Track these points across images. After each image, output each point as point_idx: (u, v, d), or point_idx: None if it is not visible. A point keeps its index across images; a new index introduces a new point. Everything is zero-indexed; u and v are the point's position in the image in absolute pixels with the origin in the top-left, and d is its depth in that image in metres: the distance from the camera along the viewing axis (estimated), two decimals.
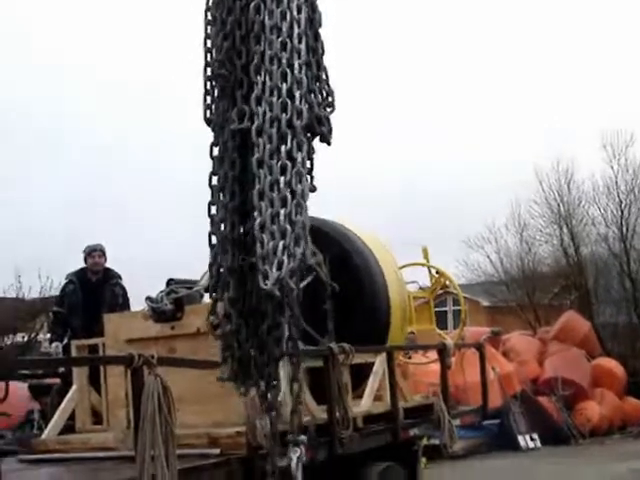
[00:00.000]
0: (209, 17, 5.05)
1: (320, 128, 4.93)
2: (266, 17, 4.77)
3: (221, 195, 4.91)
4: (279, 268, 4.41)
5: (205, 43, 5.05)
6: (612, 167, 26.37)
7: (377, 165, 40.83)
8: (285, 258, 4.42)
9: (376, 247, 9.16)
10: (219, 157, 4.95)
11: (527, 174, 28.98)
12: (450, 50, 43.23)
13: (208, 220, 4.91)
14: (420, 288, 11.60)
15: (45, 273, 28.04)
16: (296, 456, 4.99)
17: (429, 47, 47.67)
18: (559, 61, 42.36)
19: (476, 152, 39.43)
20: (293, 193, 4.54)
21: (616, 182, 26.27)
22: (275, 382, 4.84)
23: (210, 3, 5.06)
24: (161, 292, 7.36)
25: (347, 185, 39.08)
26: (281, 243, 4.44)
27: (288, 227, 4.47)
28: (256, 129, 4.65)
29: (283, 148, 4.59)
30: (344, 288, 8.31)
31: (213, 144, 4.99)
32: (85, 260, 9.90)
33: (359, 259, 8.78)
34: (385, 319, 8.91)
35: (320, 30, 5.12)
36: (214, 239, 4.90)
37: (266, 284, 4.40)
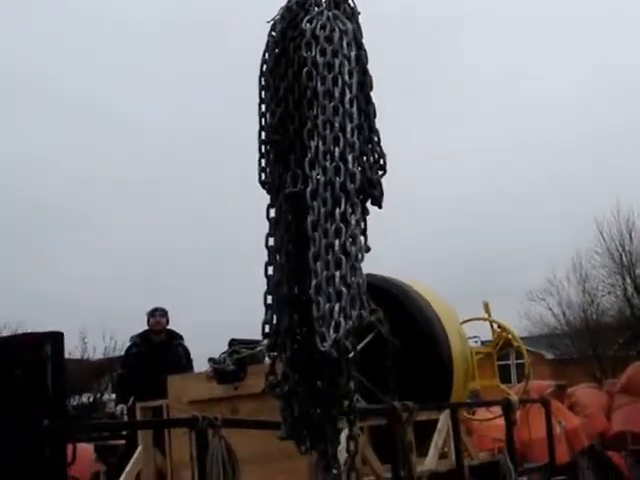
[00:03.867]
0: (263, 82, 5.18)
1: (372, 191, 5.01)
2: (318, 83, 4.86)
3: (277, 257, 4.99)
4: (336, 330, 4.45)
5: (260, 108, 5.18)
6: None
7: (439, 222, 40.78)
8: (342, 320, 4.46)
9: (437, 303, 9.15)
10: (275, 219, 5.05)
11: (587, 224, 28.81)
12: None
13: (265, 280, 4.99)
14: (482, 343, 11.51)
15: (109, 334, 28.47)
16: None
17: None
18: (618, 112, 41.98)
19: (534, 204, 39.27)
20: (347, 255, 4.59)
21: None
22: (333, 441, 4.85)
23: (264, 69, 5.20)
24: (224, 353, 7.41)
25: (410, 242, 39.34)
26: (337, 305, 4.47)
27: (344, 289, 4.50)
28: (310, 192, 4.72)
29: (337, 211, 4.64)
30: (406, 345, 8.31)
31: (270, 206, 5.09)
32: (148, 321, 10.03)
33: (420, 315, 8.77)
34: (448, 375, 8.86)
35: (371, 93, 5.22)
36: (269, 299, 4.97)
37: (324, 346, 4.44)
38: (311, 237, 4.64)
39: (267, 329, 4.96)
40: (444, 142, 45.21)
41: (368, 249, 4.88)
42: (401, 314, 8.56)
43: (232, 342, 7.69)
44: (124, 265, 38.58)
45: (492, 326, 11.53)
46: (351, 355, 4.59)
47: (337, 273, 4.53)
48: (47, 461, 4.21)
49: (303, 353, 4.91)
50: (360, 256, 4.65)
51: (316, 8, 5.06)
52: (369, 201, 5.02)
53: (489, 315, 11.55)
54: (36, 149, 40.70)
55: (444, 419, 8.12)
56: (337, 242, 4.60)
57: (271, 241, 5.04)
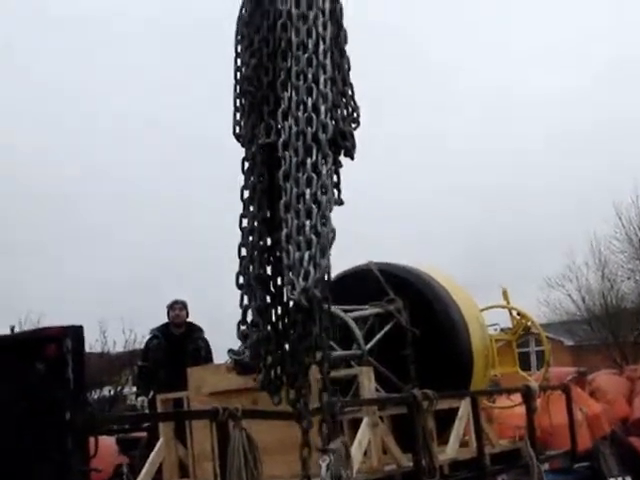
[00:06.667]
0: (239, 37, 5.19)
1: (344, 143, 5.02)
2: (292, 34, 4.88)
3: (250, 207, 4.99)
4: (305, 278, 4.47)
5: (235, 62, 5.19)
6: None
7: (457, 211, 40.66)
8: (311, 268, 4.48)
9: (456, 291, 9.13)
10: (249, 170, 5.05)
11: (606, 210, 28.68)
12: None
13: (239, 232, 5.00)
14: (502, 330, 11.48)
15: (129, 326, 28.56)
16: (325, 464, 4.90)
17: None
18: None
19: (551, 190, 39.12)
20: (318, 205, 4.61)
21: None
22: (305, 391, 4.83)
23: (240, 23, 5.20)
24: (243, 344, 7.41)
25: (426, 226, 39.30)
26: (307, 254, 4.50)
27: (314, 238, 4.53)
28: (282, 143, 4.75)
29: (309, 161, 4.67)
30: (425, 334, 8.31)
31: (244, 159, 5.10)
32: (168, 314, 10.07)
33: (439, 304, 8.76)
34: (468, 363, 8.85)
35: (346, 47, 5.22)
36: (244, 251, 4.98)
37: (293, 294, 4.46)
38: (282, 187, 4.67)
39: (241, 280, 4.96)
40: (462, 128, 45.09)
41: (341, 202, 4.89)
42: (420, 303, 8.56)
43: None
44: (142, 259, 38.64)
45: (511, 313, 11.50)
46: (322, 304, 4.58)
47: (307, 222, 4.56)
48: (69, 454, 4.23)
49: (275, 303, 4.93)
50: (331, 206, 4.66)
51: None
52: (342, 153, 5.04)
53: (508, 302, 11.52)
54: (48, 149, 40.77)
55: (464, 407, 8.11)
56: (308, 191, 4.62)
57: (246, 193, 5.06)
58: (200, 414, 6.55)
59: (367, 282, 8.67)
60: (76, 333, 4.39)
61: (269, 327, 4.91)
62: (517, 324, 11.45)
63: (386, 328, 8.34)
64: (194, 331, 10.04)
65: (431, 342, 8.33)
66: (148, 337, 10.40)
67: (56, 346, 4.31)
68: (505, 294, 11.54)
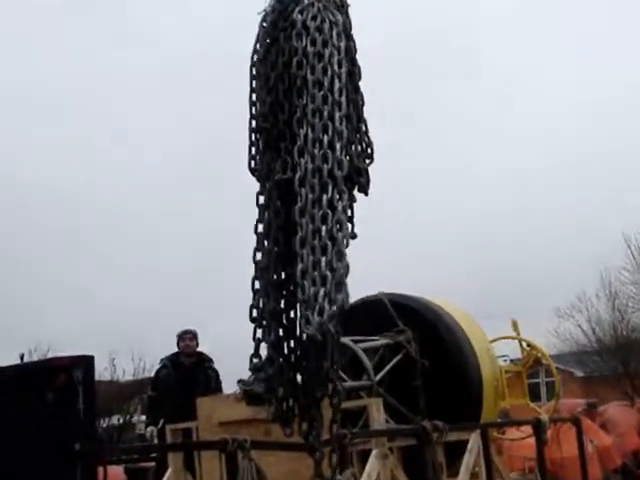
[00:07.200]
0: (254, 72, 5.25)
1: (359, 179, 5.07)
2: (308, 72, 4.93)
3: (265, 242, 5.04)
4: (320, 314, 4.49)
5: (250, 96, 5.24)
6: None
7: (466, 238, 40.66)
8: (326, 304, 4.51)
9: (466, 322, 9.12)
10: (264, 205, 5.10)
11: (616, 241, 28.63)
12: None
13: (253, 266, 5.04)
14: (511, 361, 11.46)
15: (138, 355, 28.57)
16: None
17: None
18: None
19: (561, 220, 39.08)
20: (334, 241, 4.65)
21: None
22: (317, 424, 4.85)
23: (255, 59, 5.26)
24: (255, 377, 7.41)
25: (437, 259, 39.26)
26: (322, 289, 4.52)
27: (329, 274, 4.55)
28: (299, 179, 4.78)
29: (324, 197, 4.70)
30: (435, 365, 8.29)
31: (259, 193, 5.15)
32: (178, 344, 10.08)
33: (449, 335, 8.75)
34: (477, 395, 8.82)
35: (360, 83, 5.27)
36: (257, 284, 5.01)
37: (308, 329, 4.49)
38: (298, 223, 4.70)
39: (254, 314, 4.99)
40: (467, 158, 45.18)
41: (354, 236, 4.94)
42: (430, 334, 8.55)
43: None
44: (152, 285, 38.71)
45: (521, 345, 11.49)
46: (335, 339, 4.60)
47: (323, 258, 4.59)
48: None
49: (288, 337, 4.96)
50: (346, 242, 4.70)
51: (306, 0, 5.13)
52: (356, 189, 5.09)
53: (518, 333, 11.50)
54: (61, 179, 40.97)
55: (474, 439, 8.07)
56: (324, 228, 4.66)
57: (260, 227, 5.10)
58: (209, 445, 6.53)
59: (377, 313, 8.67)
60: (87, 363, 4.40)
61: (281, 360, 4.94)
62: (527, 355, 11.44)
63: (396, 359, 8.34)
64: (204, 361, 10.05)
65: (441, 373, 8.32)
66: (158, 366, 10.40)
67: (66, 376, 4.32)
68: (515, 325, 11.53)
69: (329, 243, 4.62)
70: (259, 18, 5.25)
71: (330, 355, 4.62)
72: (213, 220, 41.41)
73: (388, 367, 8.23)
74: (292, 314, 4.96)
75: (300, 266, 4.60)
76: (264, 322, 4.95)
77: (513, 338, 11.50)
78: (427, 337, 8.46)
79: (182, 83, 46.11)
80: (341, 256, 4.63)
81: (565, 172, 43.87)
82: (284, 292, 5.00)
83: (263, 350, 4.98)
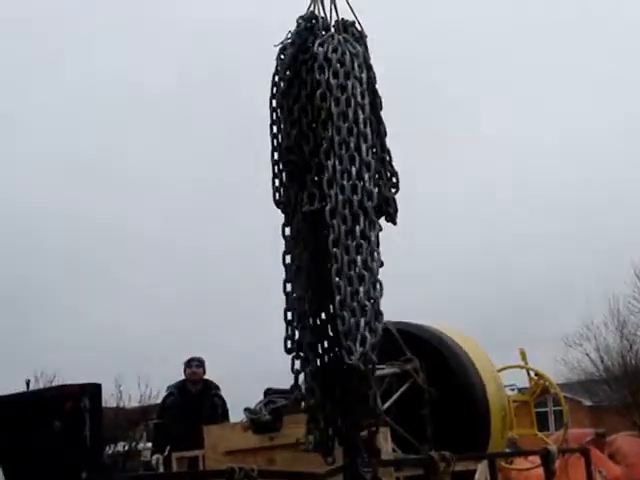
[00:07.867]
0: (274, 104, 5.27)
1: (387, 208, 5.11)
2: (332, 104, 4.96)
3: (298, 274, 5.06)
4: (362, 344, 4.54)
5: (271, 129, 5.28)
6: None
7: (471, 265, 40.62)
8: (367, 334, 4.55)
9: (474, 351, 9.09)
10: (293, 237, 5.12)
11: (625, 270, 28.57)
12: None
13: (284, 297, 5.07)
14: (519, 390, 11.41)
15: (144, 381, 28.50)
16: None
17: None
18: None
19: (570, 248, 39.02)
20: (370, 271, 4.70)
21: None
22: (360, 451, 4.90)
23: (275, 91, 5.29)
24: (259, 402, 7.40)
25: (442, 286, 39.19)
26: (362, 320, 4.58)
27: (367, 303, 4.59)
28: (330, 211, 4.82)
29: (357, 228, 4.76)
30: (442, 394, 8.26)
31: (285, 225, 5.17)
32: (184, 371, 10.08)
33: (457, 364, 8.72)
34: (485, 424, 8.78)
35: (382, 113, 5.31)
36: (289, 315, 5.04)
37: (351, 359, 4.52)
38: (333, 254, 4.74)
39: (289, 345, 5.02)
40: (475, 180, 45.20)
41: (382, 264, 4.96)
42: (437, 362, 8.52)
43: (268, 391, 7.68)
44: (157, 312, 38.69)
45: (529, 374, 11.45)
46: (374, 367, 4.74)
47: (361, 288, 4.64)
48: None
49: (326, 367, 4.99)
50: (379, 271, 4.75)
51: (324, 32, 5.17)
52: (383, 218, 5.13)
53: (525, 362, 11.47)
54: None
55: (482, 469, 8.02)
56: (359, 258, 4.72)
57: (288, 259, 5.13)
58: (215, 473, 6.50)
59: (384, 341, 8.64)
60: (93, 391, 4.42)
61: (321, 390, 4.99)
62: (535, 385, 11.39)
63: (403, 388, 8.30)
64: (211, 388, 10.04)
65: (448, 402, 8.28)
66: (165, 394, 10.41)
67: (74, 404, 4.33)
68: (522, 354, 11.50)
69: (366, 273, 4.67)
70: (276, 50, 5.29)
71: (373, 383, 4.69)
72: (224, 245, 41.46)
73: (395, 396, 8.19)
74: (325, 343, 5.01)
75: (338, 297, 4.65)
76: (301, 353, 4.99)
77: (521, 367, 11.46)
78: (434, 366, 8.43)
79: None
80: (376, 285, 4.68)
81: (573, 203, 43.79)
82: (318, 322, 5.03)
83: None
